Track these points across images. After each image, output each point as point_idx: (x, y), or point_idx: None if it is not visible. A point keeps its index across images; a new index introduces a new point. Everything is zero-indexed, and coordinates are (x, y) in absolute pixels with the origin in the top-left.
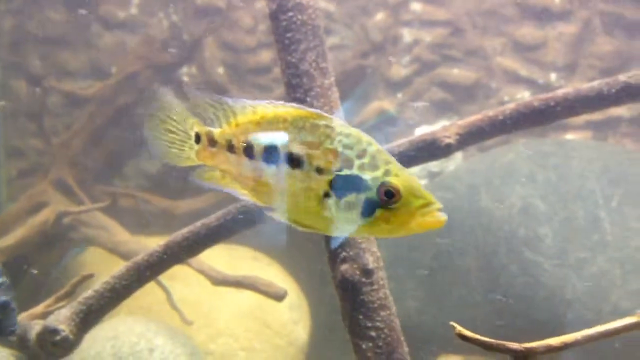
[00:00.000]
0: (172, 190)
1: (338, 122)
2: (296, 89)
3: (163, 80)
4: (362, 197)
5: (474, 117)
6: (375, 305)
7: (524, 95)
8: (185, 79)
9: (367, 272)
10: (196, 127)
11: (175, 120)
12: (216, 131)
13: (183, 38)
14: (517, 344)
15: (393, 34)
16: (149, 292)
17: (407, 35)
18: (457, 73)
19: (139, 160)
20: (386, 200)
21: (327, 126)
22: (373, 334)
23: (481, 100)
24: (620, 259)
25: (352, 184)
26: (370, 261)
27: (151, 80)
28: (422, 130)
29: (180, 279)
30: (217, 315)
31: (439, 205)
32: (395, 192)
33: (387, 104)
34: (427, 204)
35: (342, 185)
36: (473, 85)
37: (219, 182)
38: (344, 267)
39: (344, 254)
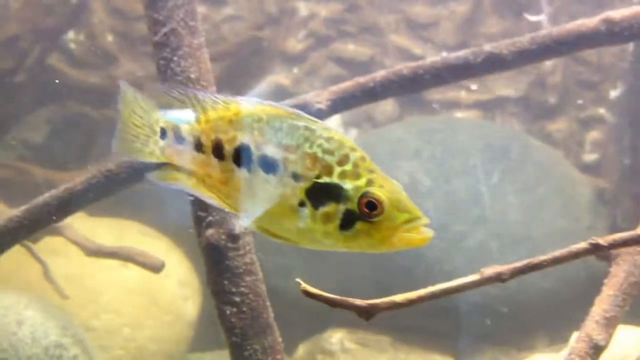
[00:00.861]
0: (57, 162)
1: (320, 124)
2: (163, 47)
3: (46, 46)
4: (342, 208)
5: (345, 83)
6: (241, 270)
7: None
8: (72, 45)
9: (233, 237)
10: (162, 122)
11: (139, 114)
12: (184, 127)
13: (70, 1)
14: (361, 301)
15: (289, 6)
16: (30, 267)
17: (303, 8)
18: (353, 49)
19: (22, 130)
20: (368, 213)
21: (306, 128)
22: (237, 299)
23: None
24: (498, 233)
25: (331, 193)
26: (237, 226)
27: (33, 44)
28: None
29: (64, 255)
30: (102, 291)
31: (425, 220)
32: (378, 204)
33: (282, 79)
34: (413, 219)
35: (319, 194)
36: (368, 62)
37: (183, 184)
38: (210, 231)
39: (210, 218)
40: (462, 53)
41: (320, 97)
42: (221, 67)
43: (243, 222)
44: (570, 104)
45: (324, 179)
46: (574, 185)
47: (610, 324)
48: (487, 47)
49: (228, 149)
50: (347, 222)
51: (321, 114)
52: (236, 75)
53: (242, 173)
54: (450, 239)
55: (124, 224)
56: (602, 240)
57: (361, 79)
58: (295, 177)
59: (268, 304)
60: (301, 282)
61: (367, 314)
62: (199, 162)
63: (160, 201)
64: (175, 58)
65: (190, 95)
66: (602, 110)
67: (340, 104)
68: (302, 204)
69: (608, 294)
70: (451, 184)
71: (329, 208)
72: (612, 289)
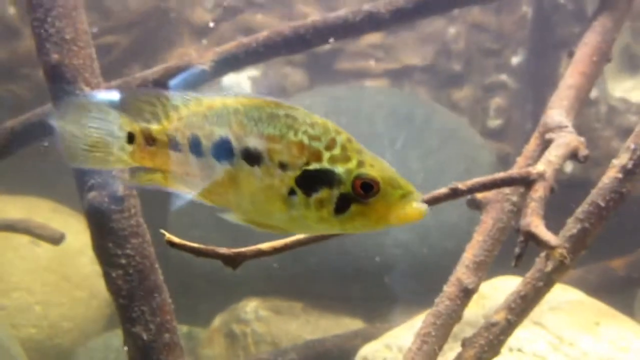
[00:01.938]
0: None
1: (301, 110)
2: (37, 8)
3: None
4: (335, 192)
5: (228, 44)
6: (126, 232)
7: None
8: None
9: (118, 200)
10: (127, 126)
11: (94, 123)
12: (154, 127)
13: None
14: (227, 249)
15: None
16: None
17: None
18: (261, 19)
19: None
20: (363, 194)
21: (287, 116)
22: (123, 261)
23: None
24: None
25: (323, 179)
26: (121, 188)
27: None
28: (228, 79)
29: None
30: (11, 270)
31: (419, 194)
32: (374, 184)
33: (191, 51)
34: (407, 194)
35: (310, 181)
36: None
37: (161, 184)
38: (92, 194)
39: (92, 181)
40: (342, 12)
41: (203, 58)
42: (128, 38)
43: (229, 217)
44: (475, 71)
45: (314, 166)
46: (476, 149)
47: (479, 267)
48: (366, 7)
49: (206, 144)
50: (342, 205)
51: (205, 75)
52: (144, 47)
53: (223, 168)
54: None
55: (34, 202)
56: (461, 185)
57: (244, 40)
58: (283, 166)
59: (157, 266)
60: (165, 233)
61: (233, 262)
62: (175, 162)
63: (72, 178)
64: (49, 19)
65: (159, 96)
66: (504, 77)
67: (224, 65)
68: (292, 193)
69: (477, 240)
70: None
71: (321, 194)
72: (481, 235)
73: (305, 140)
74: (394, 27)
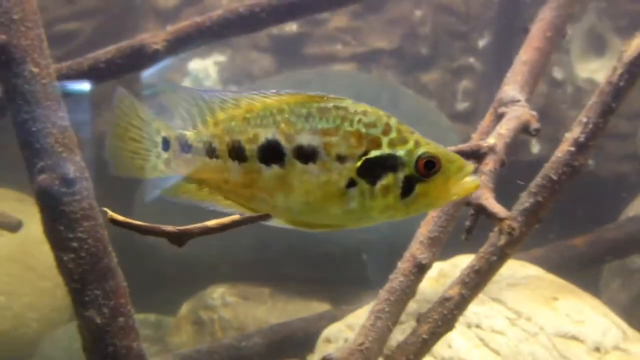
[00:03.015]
0: None
1: (347, 100)
2: None
3: None
4: (400, 175)
5: (182, 23)
6: (78, 215)
7: (292, 29)
8: None
9: (68, 182)
10: (163, 131)
11: (137, 126)
12: (190, 133)
13: None
14: (172, 227)
15: None
16: None
17: None
18: (226, 4)
19: None
20: (426, 173)
21: (337, 107)
22: (75, 244)
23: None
24: None
25: (386, 164)
26: (72, 171)
27: None
28: (195, 64)
29: None
30: None
31: (471, 166)
32: (436, 162)
33: None
34: (462, 167)
35: (374, 169)
36: None
37: (195, 196)
38: (42, 177)
39: (41, 163)
40: None
41: (156, 38)
42: (93, 24)
43: (274, 222)
44: (442, 54)
45: (374, 153)
46: (444, 132)
47: (433, 243)
48: None
49: (250, 148)
50: (407, 188)
51: (158, 55)
52: (109, 32)
53: (272, 170)
54: None
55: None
56: None
57: (198, 19)
58: (341, 159)
59: (110, 249)
60: (108, 210)
61: (179, 239)
62: (212, 169)
63: None
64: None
65: (195, 96)
66: (472, 60)
67: (178, 44)
68: (350, 185)
69: (432, 216)
70: None
71: (386, 180)
72: (436, 211)
73: (362, 129)
74: (355, 4)
